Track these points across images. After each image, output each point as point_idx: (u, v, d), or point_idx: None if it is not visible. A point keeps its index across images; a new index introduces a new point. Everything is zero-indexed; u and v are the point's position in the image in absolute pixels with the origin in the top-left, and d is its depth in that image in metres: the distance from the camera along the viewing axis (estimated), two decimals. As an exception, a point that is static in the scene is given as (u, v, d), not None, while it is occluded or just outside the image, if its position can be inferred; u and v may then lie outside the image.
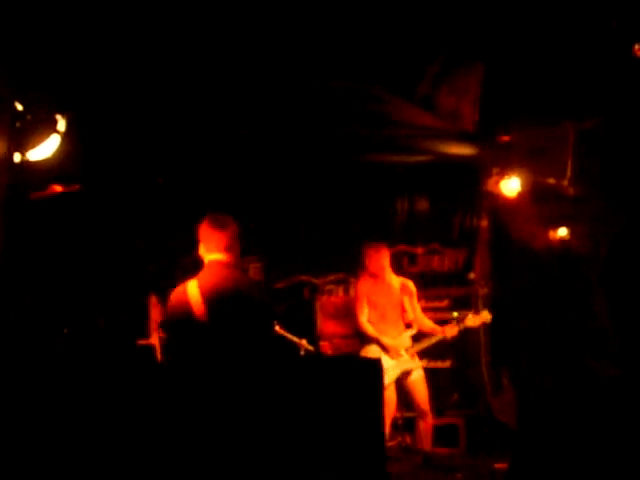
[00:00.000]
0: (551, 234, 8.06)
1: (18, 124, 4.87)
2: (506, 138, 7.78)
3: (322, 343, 8.50)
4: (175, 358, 5.17)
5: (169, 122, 6.62)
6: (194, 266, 6.03)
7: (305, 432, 4.80)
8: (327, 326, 8.77)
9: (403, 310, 7.57)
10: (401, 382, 7.44)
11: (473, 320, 7.51)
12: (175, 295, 5.00)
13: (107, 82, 5.70)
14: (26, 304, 5.71)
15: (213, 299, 4.85)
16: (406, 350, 7.41)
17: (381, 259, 7.56)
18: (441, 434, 8.04)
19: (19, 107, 4.87)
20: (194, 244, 5.13)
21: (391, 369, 7.31)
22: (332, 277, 9.14)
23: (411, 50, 5.88)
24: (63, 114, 5.20)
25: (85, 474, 4.46)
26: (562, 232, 7.97)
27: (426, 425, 7.54)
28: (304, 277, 9.16)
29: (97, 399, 4.93)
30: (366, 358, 7.03)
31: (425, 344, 7.52)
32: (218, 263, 5.02)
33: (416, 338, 7.56)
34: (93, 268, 7.09)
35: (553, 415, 1.92)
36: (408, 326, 7.57)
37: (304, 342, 6.62)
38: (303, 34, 5.69)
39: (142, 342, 7.11)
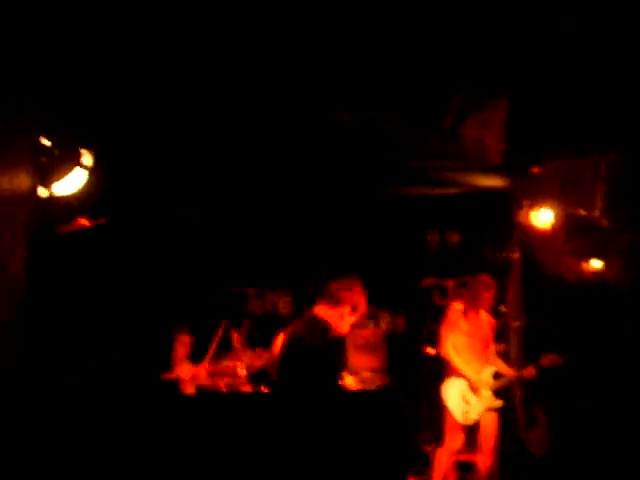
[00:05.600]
0: (583, 266, 7.95)
1: (44, 159, 4.93)
2: (537, 170, 7.72)
3: (350, 376, 8.42)
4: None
5: (195, 154, 6.67)
6: (225, 301, 6.02)
7: (331, 466, 4.76)
8: (357, 359, 8.70)
9: (488, 345, 7.45)
10: None
11: (546, 360, 7.34)
12: None
13: (132, 115, 5.76)
14: (52, 337, 5.76)
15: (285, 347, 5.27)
16: (489, 387, 7.28)
17: (492, 296, 7.45)
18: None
19: (45, 142, 4.92)
20: (225, 277, 5.19)
21: (475, 406, 7.21)
22: (362, 310, 9.09)
23: (436, 82, 5.88)
24: (89, 149, 5.25)
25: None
26: (595, 264, 7.86)
27: (485, 463, 7.33)
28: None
29: (121, 431, 4.94)
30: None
31: (504, 382, 7.39)
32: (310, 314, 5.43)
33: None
34: (119, 302, 7.13)
35: (586, 447, 1.89)
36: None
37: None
38: (329, 70, 5.73)
39: (166, 376, 7.12)
